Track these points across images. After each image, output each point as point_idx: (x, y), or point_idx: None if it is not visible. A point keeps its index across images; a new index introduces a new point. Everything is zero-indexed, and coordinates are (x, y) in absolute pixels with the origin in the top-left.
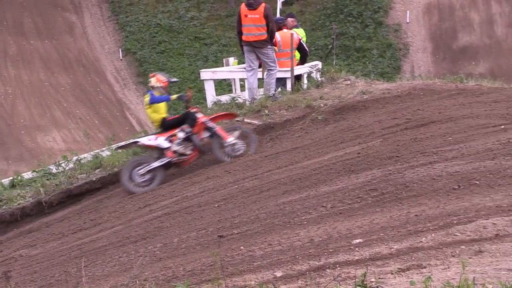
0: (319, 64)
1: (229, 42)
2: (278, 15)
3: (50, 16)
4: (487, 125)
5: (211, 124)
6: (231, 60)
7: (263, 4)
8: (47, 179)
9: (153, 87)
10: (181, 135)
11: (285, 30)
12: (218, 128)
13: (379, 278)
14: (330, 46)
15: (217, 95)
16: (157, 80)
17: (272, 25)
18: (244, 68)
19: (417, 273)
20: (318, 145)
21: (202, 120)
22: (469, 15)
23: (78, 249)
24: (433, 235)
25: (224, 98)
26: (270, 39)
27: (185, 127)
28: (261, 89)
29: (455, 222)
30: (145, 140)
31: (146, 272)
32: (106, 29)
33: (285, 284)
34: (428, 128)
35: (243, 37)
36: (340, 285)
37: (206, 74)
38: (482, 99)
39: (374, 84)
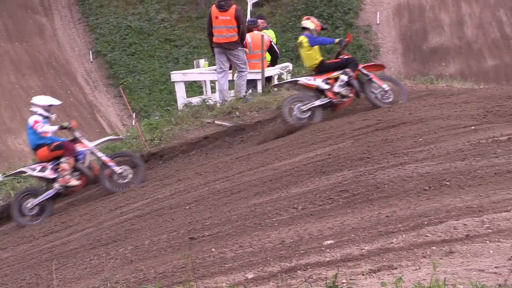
0: (289, 65)
1: (200, 44)
2: (248, 16)
3: (20, 18)
4: (457, 126)
5: (366, 71)
6: (202, 62)
7: (234, 6)
8: (18, 182)
9: (307, 29)
10: (344, 77)
11: (255, 31)
12: (372, 75)
13: (350, 279)
14: None
15: (188, 97)
16: (312, 22)
17: (243, 27)
18: (215, 70)
19: (388, 274)
20: (289, 146)
21: (360, 67)
22: (439, 16)
23: (49, 252)
24: (404, 236)
25: (195, 100)
26: (241, 41)
27: (349, 70)
28: (232, 91)
29: (426, 223)
30: (304, 80)
31: (117, 275)
32: (76, 31)
33: (257, 286)
34: (399, 129)
35: (214, 39)
36: (311, 286)
37: (177, 76)
38: (453, 100)
39: None
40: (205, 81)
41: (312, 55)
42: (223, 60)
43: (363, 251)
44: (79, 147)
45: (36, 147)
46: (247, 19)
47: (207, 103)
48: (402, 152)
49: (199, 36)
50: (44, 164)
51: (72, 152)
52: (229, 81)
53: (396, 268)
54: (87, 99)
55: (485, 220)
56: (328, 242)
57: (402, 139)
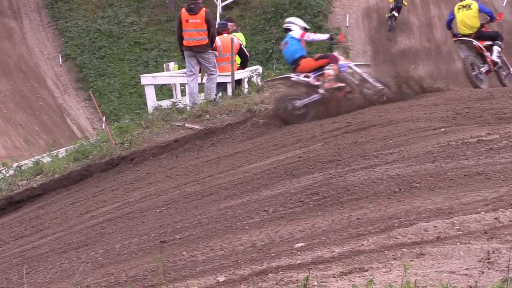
0: (259, 68)
1: (169, 47)
2: (218, 19)
3: None
4: (427, 128)
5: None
6: (172, 65)
7: (204, 9)
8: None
9: None
10: (498, 48)
11: (225, 35)
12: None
13: (322, 282)
14: (271, 51)
15: (158, 100)
16: None
17: (213, 30)
18: (185, 73)
19: (359, 277)
20: (259, 149)
21: None
22: (408, 18)
23: (20, 256)
24: (374, 238)
25: (165, 103)
26: (211, 44)
27: (500, 43)
28: (202, 94)
29: (396, 225)
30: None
31: (88, 279)
32: (45, 35)
33: None
34: (369, 132)
35: (184, 42)
36: None
37: (147, 79)
38: (422, 102)
39: None
40: (175, 84)
41: (474, 20)
42: (193, 63)
43: (334, 253)
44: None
45: (299, 59)
46: (217, 22)
47: (177, 106)
48: (372, 155)
49: (168, 39)
50: (307, 73)
51: (337, 60)
52: (199, 84)
53: (367, 271)
54: (56, 103)
55: (455, 222)
56: (299, 244)
57: (372, 142)
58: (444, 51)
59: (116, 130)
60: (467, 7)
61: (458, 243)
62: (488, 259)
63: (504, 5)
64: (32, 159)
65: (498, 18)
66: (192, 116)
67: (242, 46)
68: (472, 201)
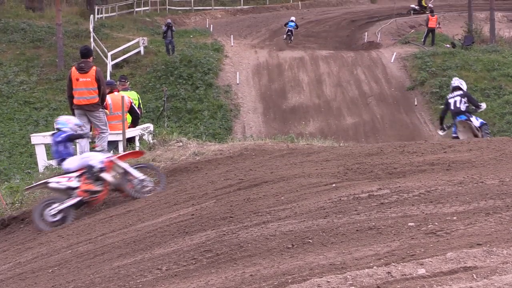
0: (150, 126)
1: (60, 106)
2: (108, 78)
3: None
4: (318, 184)
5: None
6: None
7: (94, 68)
8: None
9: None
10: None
11: (115, 93)
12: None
13: None
14: (162, 108)
15: (48, 159)
16: None
17: (104, 88)
18: None
19: None
20: (152, 207)
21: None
22: (298, 75)
23: None
24: None
25: (56, 162)
26: (102, 102)
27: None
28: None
29: (290, 281)
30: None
31: None
32: None
33: None
34: (261, 188)
35: (75, 101)
36: None
37: (37, 138)
38: (313, 158)
39: (206, 146)
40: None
41: None
42: (84, 122)
43: None
44: None
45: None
46: (107, 80)
47: None
48: (265, 211)
49: (58, 98)
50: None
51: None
52: (90, 142)
53: None
54: None
55: (348, 277)
56: None
57: (264, 198)
58: (334, 107)
59: (7, 190)
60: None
61: None
62: None
63: (392, 61)
64: None
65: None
66: None
67: (133, 104)
68: (364, 255)
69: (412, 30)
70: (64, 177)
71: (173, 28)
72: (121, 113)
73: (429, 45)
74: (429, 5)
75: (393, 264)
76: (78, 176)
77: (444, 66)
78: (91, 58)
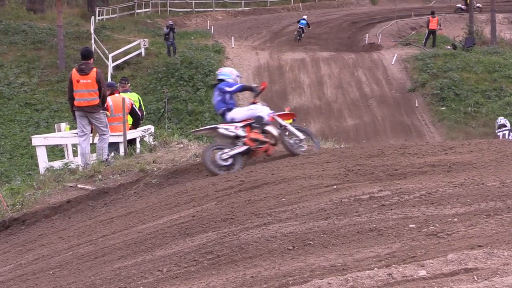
0: (151, 128)
1: (61, 108)
2: (109, 79)
3: None
4: (319, 185)
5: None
6: (63, 125)
7: (95, 69)
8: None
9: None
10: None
11: (116, 94)
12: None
13: None
14: (163, 110)
15: (49, 161)
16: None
17: (104, 90)
18: (76, 133)
19: None
20: (152, 209)
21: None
22: (299, 76)
23: None
24: None
25: (57, 164)
26: (102, 104)
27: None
28: (94, 154)
29: (290, 282)
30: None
31: None
32: None
33: None
34: (262, 190)
35: (76, 102)
36: None
37: (38, 140)
38: (314, 160)
39: None
40: (66, 144)
41: None
42: (84, 124)
43: None
44: None
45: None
46: (107, 82)
47: (69, 167)
48: (266, 213)
49: (59, 100)
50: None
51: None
52: (91, 144)
53: None
54: None
55: (349, 278)
56: None
57: (265, 200)
58: (335, 108)
59: (8, 192)
60: None
61: None
62: None
63: (393, 62)
64: None
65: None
66: (84, 177)
67: (134, 106)
68: (365, 257)
69: (413, 32)
70: (232, 125)
71: (175, 29)
72: (122, 115)
73: (430, 46)
74: (477, 4)
75: (394, 265)
76: (243, 127)
77: (445, 67)
78: (92, 59)
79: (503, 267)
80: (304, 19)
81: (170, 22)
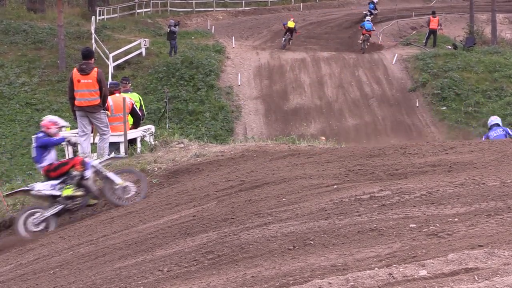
0: (152, 128)
1: (61, 107)
2: (110, 79)
3: None
4: (320, 185)
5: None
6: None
7: (96, 69)
8: None
9: None
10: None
11: (117, 94)
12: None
13: None
14: (163, 110)
15: None
16: None
17: (105, 90)
18: (77, 133)
19: None
20: (153, 208)
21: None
22: (299, 76)
23: None
24: None
25: None
26: (103, 104)
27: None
28: (94, 154)
29: (291, 282)
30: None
31: None
32: None
33: None
34: (262, 190)
35: (76, 102)
36: None
37: None
38: (315, 160)
39: (208, 147)
40: (67, 144)
41: None
42: (85, 123)
43: None
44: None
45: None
46: (109, 82)
47: None
48: (266, 212)
49: (60, 100)
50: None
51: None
52: (92, 144)
53: None
54: None
55: (349, 278)
56: None
57: (265, 199)
58: (335, 108)
59: (8, 192)
60: None
61: None
62: None
63: (393, 62)
64: None
65: None
66: None
67: (135, 106)
68: (365, 257)
69: (414, 32)
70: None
71: (177, 29)
72: (123, 115)
73: (430, 46)
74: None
75: (395, 265)
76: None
77: (445, 67)
78: (93, 59)
79: (503, 267)
80: (373, 2)
81: (172, 20)
